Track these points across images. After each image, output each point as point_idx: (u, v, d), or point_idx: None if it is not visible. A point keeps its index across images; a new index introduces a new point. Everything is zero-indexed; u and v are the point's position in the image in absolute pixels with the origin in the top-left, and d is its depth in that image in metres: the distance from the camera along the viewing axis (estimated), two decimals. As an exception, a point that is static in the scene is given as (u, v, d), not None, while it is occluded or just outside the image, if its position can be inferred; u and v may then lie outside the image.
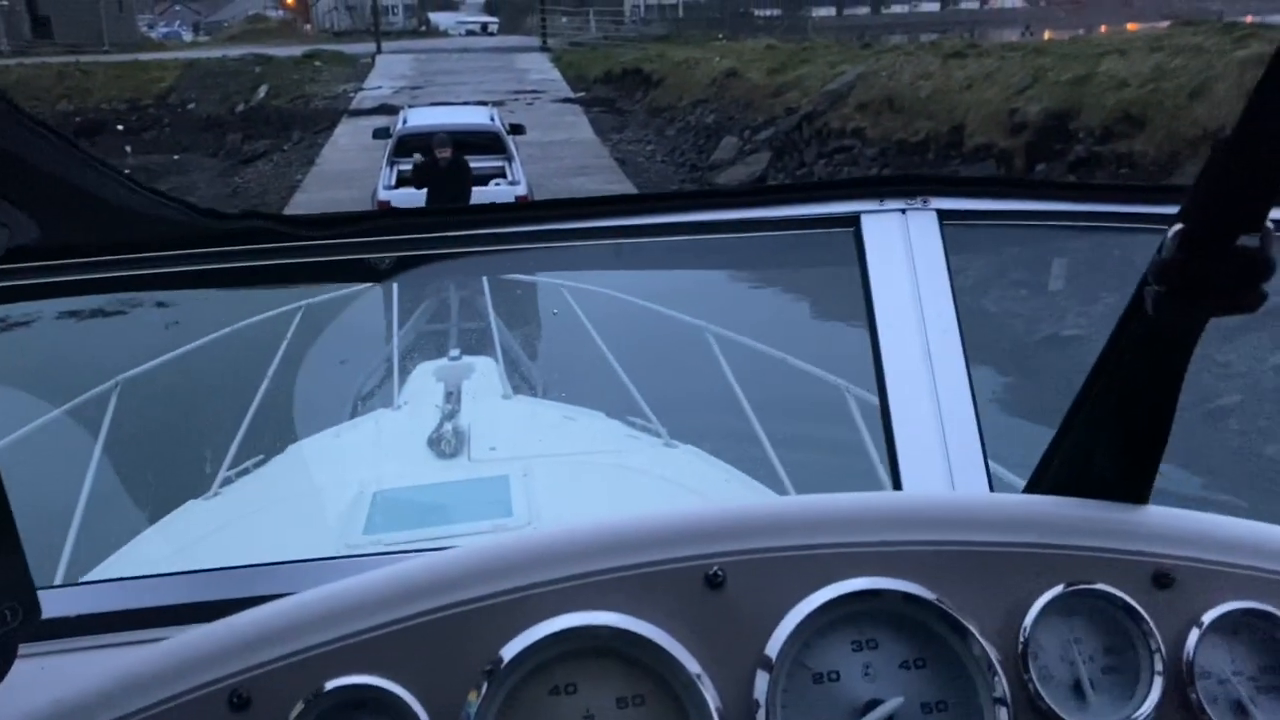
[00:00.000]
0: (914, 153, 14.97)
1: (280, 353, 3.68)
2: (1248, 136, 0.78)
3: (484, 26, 60.83)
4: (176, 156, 23.10)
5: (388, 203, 12.29)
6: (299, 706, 0.82)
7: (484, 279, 3.99)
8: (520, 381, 3.98)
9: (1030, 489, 1.07)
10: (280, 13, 59.10)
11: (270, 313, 3.81)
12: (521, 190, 13.11)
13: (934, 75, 16.09)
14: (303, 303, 3.86)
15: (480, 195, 12.23)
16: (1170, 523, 0.98)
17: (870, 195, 1.42)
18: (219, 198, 19.08)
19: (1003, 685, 0.87)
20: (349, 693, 0.83)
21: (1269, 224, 0.82)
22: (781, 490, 2.90)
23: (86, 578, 2.28)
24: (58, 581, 2.38)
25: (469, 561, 0.89)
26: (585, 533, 0.91)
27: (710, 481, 2.99)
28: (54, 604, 1.07)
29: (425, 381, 3.64)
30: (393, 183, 13.00)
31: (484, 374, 3.72)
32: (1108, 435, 0.99)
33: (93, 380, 3.36)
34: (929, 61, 17.05)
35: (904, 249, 1.36)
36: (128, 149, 24.01)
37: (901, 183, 1.43)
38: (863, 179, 1.46)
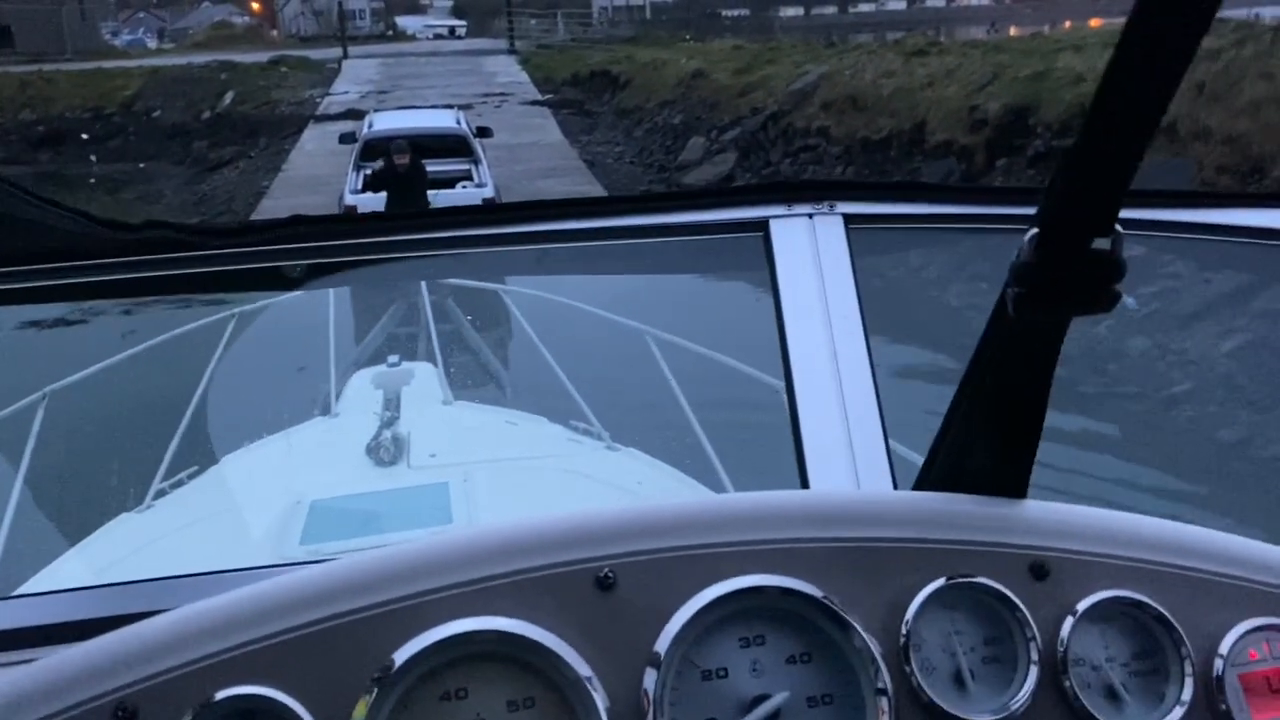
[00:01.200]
0: (877, 150, 15.07)
1: (214, 362, 3.62)
2: (1094, 140, 0.81)
3: (451, 30, 60.66)
4: (142, 165, 22.95)
5: (354, 207, 12.29)
6: (187, 718, 0.82)
7: (422, 286, 3.95)
8: (460, 387, 3.94)
9: (917, 486, 1.10)
10: (246, 19, 58.75)
11: (203, 321, 3.73)
12: (488, 193, 13.13)
13: (896, 73, 16.21)
14: (235, 310, 3.80)
15: (446, 198, 12.23)
16: (1046, 515, 1.01)
17: (779, 200, 1.45)
18: (185, 205, 18.97)
19: (885, 677, 0.89)
20: (237, 702, 0.83)
21: (1118, 227, 0.85)
22: (722, 489, 2.91)
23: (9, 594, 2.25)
24: None
25: (357, 570, 0.89)
26: (474, 538, 0.92)
27: (652, 483, 2.99)
28: None
29: (363, 388, 3.60)
30: (359, 187, 12.98)
31: (423, 380, 3.69)
32: (985, 432, 1.02)
33: (18, 392, 3.29)
34: (891, 60, 17.18)
35: (811, 253, 1.39)
36: (92, 158, 23.83)
37: (809, 188, 1.46)
38: (771, 184, 1.51)
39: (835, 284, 1.37)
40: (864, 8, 61.47)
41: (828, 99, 16.88)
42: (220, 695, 0.83)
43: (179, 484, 3.18)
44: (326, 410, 3.66)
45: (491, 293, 4.36)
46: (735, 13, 51.88)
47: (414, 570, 0.89)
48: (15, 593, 2.23)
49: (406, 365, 3.68)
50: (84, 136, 25.24)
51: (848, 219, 1.43)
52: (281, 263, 1.37)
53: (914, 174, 13.77)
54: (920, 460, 1.12)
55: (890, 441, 1.25)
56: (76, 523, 3.08)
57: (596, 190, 17.64)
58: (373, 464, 2.93)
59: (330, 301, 4.27)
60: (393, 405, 3.31)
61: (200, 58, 34.38)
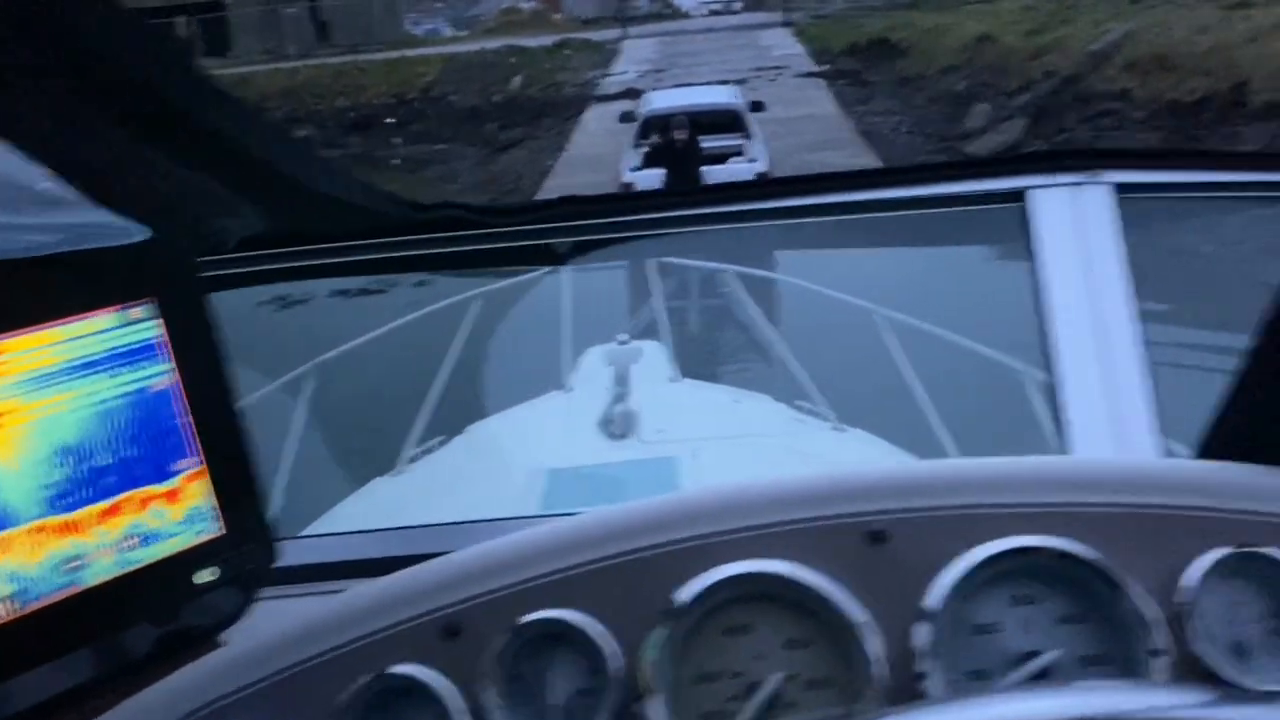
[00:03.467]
0: (1188, 114, 13.84)
1: (460, 337, 3.85)
2: None
3: (727, 4, 60.89)
4: (439, 146, 24.50)
5: (631, 184, 12.59)
6: (503, 636, 0.90)
7: (652, 264, 4.08)
8: (686, 364, 4.03)
9: (1199, 455, 1.04)
10: (532, 4, 61.49)
11: (451, 299, 3.99)
12: (761, 167, 13.06)
13: (1212, 29, 14.78)
14: (481, 289, 4.05)
15: (719, 174, 12.31)
16: None
17: (1040, 170, 1.41)
18: (478, 184, 20.12)
19: (1162, 640, 0.86)
20: (546, 625, 0.90)
21: None
22: None
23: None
24: None
25: (649, 511, 0.95)
26: (753, 488, 0.96)
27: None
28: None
29: (594, 365, 3.77)
30: (636, 164, 13.29)
31: (652, 358, 3.81)
32: (1278, 399, 0.96)
33: (303, 356, 3.59)
34: (1207, 14, 15.68)
35: (1074, 224, 1.35)
36: (396, 141, 25.71)
37: (1074, 156, 1.41)
38: (1032, 153, 1.48)
39: (1101, 256, 1.32)
40: (1173, -43, 56.39)
41: (1131, 59, 15.63)
42: (531, 618, 0.90)
43: (428, 451, 3.45)
44: (560, 385, 3.85)
45: (718, 272, 4.45)
46: (1025, -29, 48.88)
47: (700, 515, 0.93)
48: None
49: (635, 343, 3.82)
50: (389, 120, 27.25)
51: (1118, 188, 1.37)
52: (555, 240, 1.48)
53: (1233, 139, 12.52)
54: (1188, 442, 1.07)
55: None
56: (336, 487, 3.37)
57: (871, 162, 17.19)
58: (604, 437, 3.09)
59: (567, 279, 4.50)
60: (622, 381, 3.45)
61: (491, 43, 36.28)
